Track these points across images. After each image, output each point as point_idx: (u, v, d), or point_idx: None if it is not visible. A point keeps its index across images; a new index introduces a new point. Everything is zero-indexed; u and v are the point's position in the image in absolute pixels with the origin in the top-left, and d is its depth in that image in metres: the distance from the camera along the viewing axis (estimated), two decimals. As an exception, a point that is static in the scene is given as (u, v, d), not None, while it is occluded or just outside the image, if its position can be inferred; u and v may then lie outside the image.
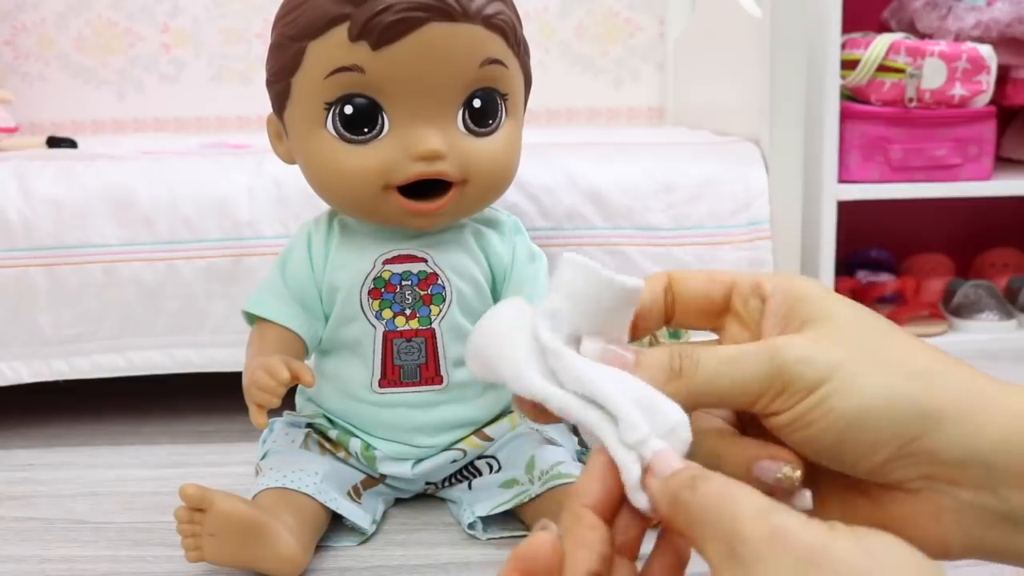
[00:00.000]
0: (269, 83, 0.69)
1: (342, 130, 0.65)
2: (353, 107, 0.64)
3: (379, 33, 0.61)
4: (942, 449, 0.33)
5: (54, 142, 1.15)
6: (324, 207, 0.74)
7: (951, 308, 1.36)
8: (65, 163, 0.95)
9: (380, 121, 0.65)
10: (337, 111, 0.64)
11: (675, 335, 0.78)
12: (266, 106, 0.70)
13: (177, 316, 0.91)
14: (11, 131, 1.23)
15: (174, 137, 1.40)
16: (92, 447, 0.91)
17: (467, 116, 0.66)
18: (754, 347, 0.35)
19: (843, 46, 1.24)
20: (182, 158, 0.98)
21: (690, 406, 0.35)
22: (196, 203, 0.91)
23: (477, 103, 0.66)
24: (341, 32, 0.62)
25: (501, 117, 0.68)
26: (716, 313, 0.40)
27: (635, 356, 0.36)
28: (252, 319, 0.71)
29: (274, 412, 0.67)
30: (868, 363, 0.34)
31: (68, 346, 0.91)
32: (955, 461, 0.33)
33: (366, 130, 0.65)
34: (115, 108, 1.55)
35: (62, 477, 0.83)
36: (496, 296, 0.74)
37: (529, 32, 1.54)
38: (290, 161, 0.72)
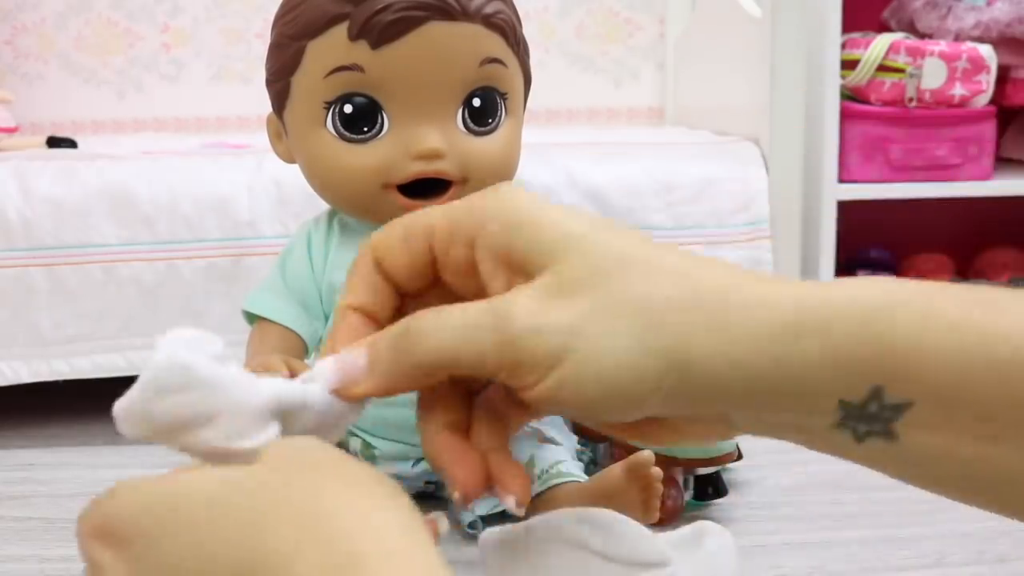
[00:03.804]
0: (269, 82, 0.69)
1: (342, 129, 0.65)
2: (353, 106, 0.64)
3: (379, 32, 0.61)
4: (698, 392, 0.31)
5: (54, 142, 1.15)
6: (325, 207, 0.74)
7: (951, 308, 1.36)
8: (65, 163, 0.95)
9: (380, 120, 0.65)
10: (337, 110, 0.64)
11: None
12: (266, 106, 0.70)
13: (177, 316, 0.91)
14: (11, 131, 1.23)
15: (174, 137, 1.40)
16: (92, 447, 0.91)
17: (467, 115, 0.66)
18: (478, 312, 0.31)
19: (843, 46, 1.24)
20: (182, 158, 0.98)
21: (429, 378, 0.33)
22: (196, 203, 0.91)
23: (477, 102, 0.66)
24: (340, 31, 0.62)
25: (501, 116, 0.67)
26: (434, 273, 0.35)
27: (366, 348, 0.33)
28: (252, 318, 0.71)
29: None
30: (608, 318, 0.30)
31: (68, 346, 0.91)
32: (710, 400, 0.31)
33: (366, 129, 0.65)
34: (115, 108, 1.55)
35: (62, 477, 0.83)
36: None
37: (529, 32, 1.54)
38: (290, 160, 0.72)
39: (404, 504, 0.29)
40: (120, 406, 0.31)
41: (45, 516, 0.74)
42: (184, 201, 0.91)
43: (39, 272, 0.90)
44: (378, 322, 0.35)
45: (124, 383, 0.35)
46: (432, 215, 0.34)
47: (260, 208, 0.91)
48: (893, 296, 0.30)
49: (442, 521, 0.33)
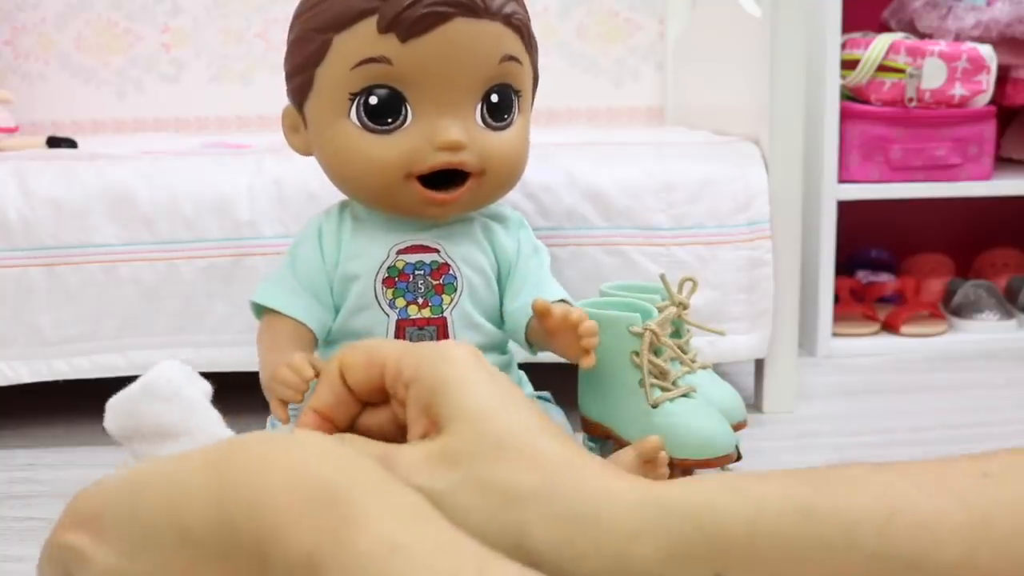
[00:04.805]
0: (289, 76, 0.70)
1: (366, 120, 0.66)
2: (378, 98, 0.66)
3: (408, 26, 0.63)
4: (555, 573, 0.34)
5: (54, 142, 1.15)
6: (326, 205, 0.75)
7: (951, 308, 1.36)
8: (65, 163, 0.95)
9: (403, 112, 0.66)
10: (362, 101, 0.66)
11: (677, 335, 0.78)
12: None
13: (177, 316, 0.91)
14: (11, 131, 1.23)
15: (174, 137, 1.40)
16: (92, 447, 0.91)
17: (485, 110, 0.68)
18: (380, 454, 0.36)
19: (843, 46, 1.24)
20: (182, 158, 0.98)
21: None
22: (196, 203, 0.91)
23: (495, 98, 0.68)
24: (369, 25, 0.64)
25: (515, 112, 0.70)
26: (388, 393, 0.40)
27: None
28: (259, 311, 0.71)
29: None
30: (469, 495, 0.34)
31: (68, 346, 0.91)
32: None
33: (390, 120, 0.66)
34: (115, 108, 1.55)
35: (62, 477, 0.83)
36: (501, 287, 0.74)
37: (529, 32, 1.54)
38: (306, 152, 0.73)
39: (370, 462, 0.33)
40: (113, 401, 0.35)
41: (45, 516, 0.74)
42: (184, 201, 0.91)
43: (39, 272, 0.90)
44: (335, 424, 0.41)
45: (124, 383, 0.36)
46: (388, 351, 0.40)
47: (260, 208, 0.91)
48: (725, 489, 0.33)
49: None
